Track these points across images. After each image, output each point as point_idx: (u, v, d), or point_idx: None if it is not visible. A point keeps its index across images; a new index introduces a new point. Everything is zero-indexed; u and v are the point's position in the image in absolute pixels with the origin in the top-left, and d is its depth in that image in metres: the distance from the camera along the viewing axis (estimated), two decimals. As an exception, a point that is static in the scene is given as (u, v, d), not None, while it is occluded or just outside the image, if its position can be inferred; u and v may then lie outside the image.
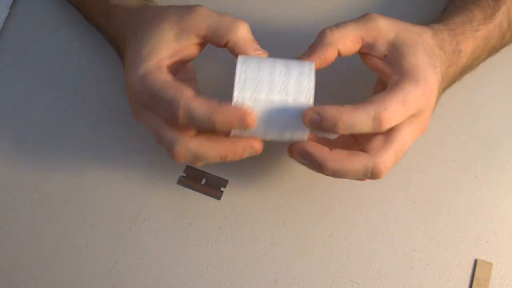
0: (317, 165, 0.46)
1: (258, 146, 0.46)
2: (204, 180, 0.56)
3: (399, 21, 0.49)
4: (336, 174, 0.46)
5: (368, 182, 0.55)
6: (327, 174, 0.46)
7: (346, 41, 0.47)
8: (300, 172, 0.56)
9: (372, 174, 0.46)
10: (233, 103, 0.43)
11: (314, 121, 0.43)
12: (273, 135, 0.46)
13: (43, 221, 0.55)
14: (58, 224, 0.55)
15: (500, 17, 0.53)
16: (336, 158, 0.45)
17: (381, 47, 0.48)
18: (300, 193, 0.55)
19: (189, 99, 0.43)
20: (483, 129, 0.57)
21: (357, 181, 0.55)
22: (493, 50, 0.55)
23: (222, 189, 0.56)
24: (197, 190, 0.56)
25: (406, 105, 0.45)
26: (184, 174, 0.56)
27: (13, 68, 0.61)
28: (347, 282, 0.52)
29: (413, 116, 0.46)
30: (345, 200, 0.55)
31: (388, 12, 0.50)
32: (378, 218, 0.54)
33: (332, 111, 0.43)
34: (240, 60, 0.45)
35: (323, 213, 0.55)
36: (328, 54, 0.47)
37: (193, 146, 0.45)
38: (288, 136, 0.46)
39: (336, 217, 0.54)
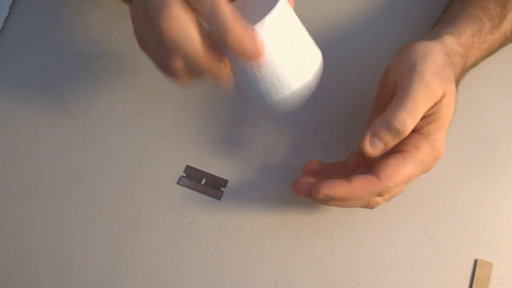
0: (340, 203, 0.48)
1: (229, 80, 0.44)
2: (204, 180, 0.56)
3: (443, 75, 0.47)
4: (352, 204, 0.49)
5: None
6: (349, 206, 0.49)
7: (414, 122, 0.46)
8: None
9: (383, 196, 0.48)
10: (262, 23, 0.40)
11: (325, 198, 0.46)
12: (252, 89, 0.44)
13: (43, 221, 0.55)
14: (58, 224, 0.55)
15: (506, 26, 0.53)
16: (355, 190, 0.46)
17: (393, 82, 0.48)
18: (300, 193, 0.55)
19: None
20: (483, 129, 0.57)
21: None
22: (491, 54, 0.55)
23: (222, 189, 0.56)
24: (197, 190, 0.56)
25: (410, 179, 0.47)
26: (184, 174, 0.56)
27: (13, 68, 0.61)
28: (347, 282, 0.52)
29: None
30: (345, 200, 0.55)
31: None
32: (378, 218, 0.54)
33: (341, 192, 0.45)
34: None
35: (323, 213, 0.55)
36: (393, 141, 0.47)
37: (191, 22, 0.40)
38: (268, 98, 0.44)
39: (336, 217, 0.54)
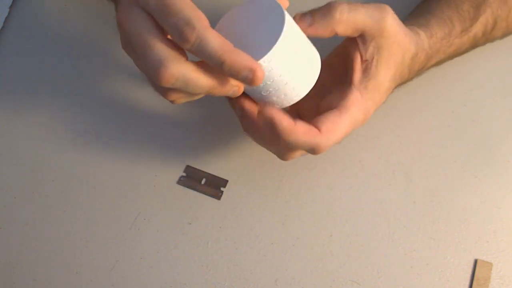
0: (279, 135, 0.45)
1: (241, 88, 0.45)
2: (204, 180, 0.56)
3: (401, 28, 0.48)
4: (289, 144, 0.46)
5: (369, 182, 0.55)
6: (281, 143, 0.46)
7: (349, 28, 0.46)
8: (300, 172, 0.56)
9: (313, 152, 0.47)
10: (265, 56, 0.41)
11: (265, 122, 0.44)
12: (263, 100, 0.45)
13: (43, 221, 0.55)
14: (58, 224, 0.55)
15: (477, 29, 0.53)
16: (297, 131, 0.45)
17: (371, 49, 0.47)
18: (300, 193, 0.55)
19: (206, 27, 0.39)
20: (483, 129, 0.57)
21: (357, 181, 0.56)
22: (459, 55, 0.55)
23: (222, 189, 0.56)
24: (197, 190, 0.56)
25: (348, 133, 0.47)
26: (184, 174, 0.56)
27: (13, 68, 0.61)
28: (347, 282, 0.52)
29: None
30: (345, 200, 0.55)
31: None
32: (378, 218, 0.54)
33: (284, 127, 0.44)
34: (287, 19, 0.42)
35: (323, 213, 0.55)
36: (326, 32, 0.46)
37: (189, 69, 0.41)
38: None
39: (336, 217, 0.54)
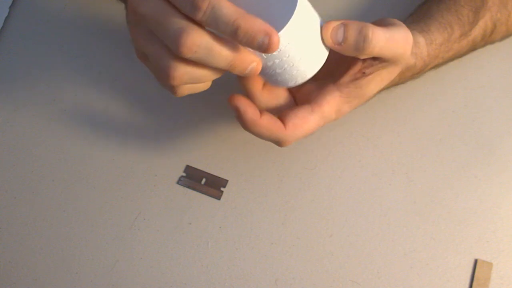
0: (244, 126, 0.47)
1: (260, 66, 0.43)
2: (204, 180, 0.56)
3: (406, 46, 0.46)
4: (253, 134, 0.47)
5: (369, 183, 0.55)
6: (245, 129, 0.47)
7: (371, 56, 0.45)
8: (300, 172, 0.56)
9: (278, 144, 0.48)
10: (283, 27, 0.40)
11: (233, 109, 0.45)
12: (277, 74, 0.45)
13: (43, 221, 0.55)
14: (58, 224, 0.55)
15: (476, 33, 0.53)
16: (261, 125, 0.46)
17: (375, 68, 0.47)
18: (300, 193, 0.55)
19: None
20: (483, 129, 0.57)
21: (357, 182, 0.56)
22: (457, 58, 0.55)
23: (222, 189, 0.56)
24: (197, 190, 0.56)
25: (309, 133, 0.48)
26: (184, 174, 0.56)
27: (13, 68, 0.61)
28: (347, 282, 0.52)
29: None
30: (345, 200, 0.55)
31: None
32: (378, 218, 0.54)
33: (249, 117, 0.45)
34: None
35: (323, 213, 0.55)
36: (350, 56, 0.45)
37: (211, 37, 0.39)
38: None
39: (336, 217, 0.54)
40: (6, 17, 0.63)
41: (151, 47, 0.42)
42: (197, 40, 0.39)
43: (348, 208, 0.55)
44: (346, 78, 0.47)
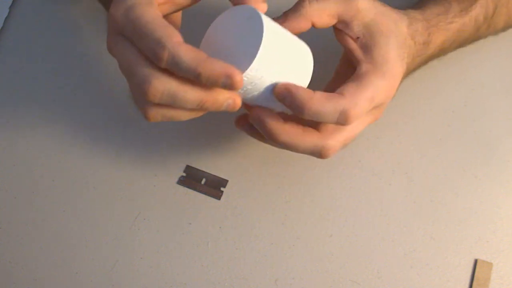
0: (269, 135, 0.45)
1: (238, 101, 0.43)
2: (204, 180, 0.56)
3: (379, 3, 0.48)
4: (286, 147, 0.46)
5: (369, 183, 0.55)
6: (277, 145, 0.47)
7: (323, 15, 0.46)
8: (300, 172, 0.56)
9: (319, 155, 0.47)
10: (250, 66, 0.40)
11: (283, 96, 0.43)
12: (256, 101, 0.45)
13: (43, 221, 0.55)
14: (58, 224, 0.55)
15: (477, 10, 0.53)
16: (288, 131, 0.45)
17: (356, 27, 0.47)
18: (300, 193, 0.55)
19: (177, 43, 0.40)
20: (483, 129, 0.57)
21: (357, 181, 0.56)
22: (465, 42, 0.55)
23: (222, 189, 0.56)
24: (197, 190, 0.56)
25: (373, 101, 0.45)
26: (184, 174, 0.56)
27: (13, 68, 0.61)
28: (347, 282, 0.52)
29: (373, 107, 0.47)
30: (345, 200, 0.55)
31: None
32: (378, 218, 0.54)
33: (303, 95, 0.43)
34: (265, 25, 0.41)
35: (323, 213, 0.55)
36: (301, 25, 0.46)
37: (173, 84, 0.41)
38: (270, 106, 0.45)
39: (336, 217, 0.55)
40: (6, 17, 0.63)
41: (128, 82, 0.44)
42: (160, 88, 0.41)
43: (348, 208, 0.55)
44: (357, 52, 0.47)
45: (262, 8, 0.43)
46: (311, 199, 0.55)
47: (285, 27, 0.45)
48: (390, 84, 0.47)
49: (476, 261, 0.53)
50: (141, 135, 0.58)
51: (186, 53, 0.40)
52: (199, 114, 0.44)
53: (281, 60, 0.43)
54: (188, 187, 0.56)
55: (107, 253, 0.54)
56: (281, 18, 0.46)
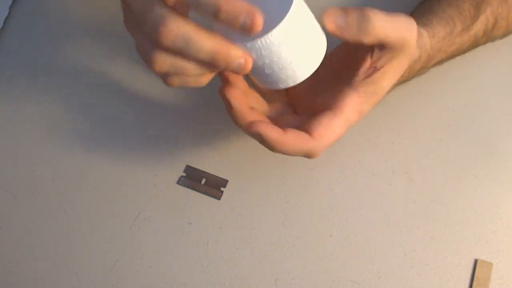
0: (268, 146, 0.46)
1: (249, 62, 0.41)
2: (204, 180, 0.56)
3: (410, 30, 0.46)
4: (281, 153, 0.46)
5: (369, 182, 0.55)
6: (272, 151, 0.46)
7: (376, 41, 0.44)
8: (300, 172, 0.56)
9: (309, 156, 0.47)
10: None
11: (254, 134, 0.44)
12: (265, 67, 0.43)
13: (43, 221, 0.55)
14: (58, 224, 0.55)
15: (477, 28, 0.53)
16: (285, 142, 0.45)
17: (385, 59, 0.46)
18: (300, 193, 0.55)
19: None
20: (483, 129, 0.57)
21: (357, 181, 0.56)
22: (460, 54, 0.55)
23: (222, 189, 0.56)
24: (197, 190, 0.56)
25: (344, 131, 0.47)
26: (184, 174, 0.56)
27: (13, 68, 0.61)
28: (347, 282, 0.52)
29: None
30: (345, 200, 0.55)
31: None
32: (378, 218, 0.54)
33: (273, 137, 0.44)
34: None
35: (323, 213, 0.55)
36: (352, 40, 0.43)
37: (189, 28, 0.39)
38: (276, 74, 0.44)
39: (336, 217, 0.55)
40: (6, 17, 0.63)
41: (137, 35, 0.42)
42: (175, 29, 0.38)
43: (348, 208, 0.55)
44: (359, 76, 0.47)
45: None
46: (311, 199, 0.55)
47: (337, 31, 0.43)
48: (366, 109, 0.48)
49: (476, 261, 0.53)
50: (141, 135, 0.58)
51: None
52: (207, 75, 0.43)
53: (301, 35, 0.42)
54: (188, 187, 0.56)
55: (107, 253, 0.54)
56: (341, 18, 0.42)
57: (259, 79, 0.45)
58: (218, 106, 0.58)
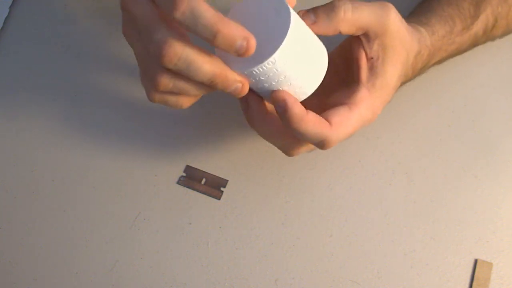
0: (288, 120, 0.44)
1: (246, 87, 0.43)
2: (204, 180, 0.56)
3: (403, 25, 0.47)
4: (297, 132, 0.45)
5: (369, 182, 0.55)
6: (290, 130, 0.45)
7: (353, 26, 0.46)
8: (300, 172, 0.56)
9: (322, 146, 0.46)
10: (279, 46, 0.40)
11: (278, 105, 0.43)
12: (261, 87, 0.44)
13: (43, 221, 0.55)
14: (58, 224, 0.55)
15: (478, 27, 0.53)
16: (307, 121, 0.44)
17: (376, 47, 0.47)
18: (300, 193, 0.55)
19: None
20: (483, 129, 0.57)
21: (357, 181, 0.56)
22: (460, 53, 0.55)
23: (222, 189, 0.56)
24: (197, 190, 0.56)
25: (358, 128, 0.47)
26: (184, 174, 0.56)
27: (13, 68, 0.61)
28: (347, 282, 0.52)
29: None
30: (345, 200, 0.55)
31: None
32: (378, 218, 0.54)
33: (297, 113, 0.43)
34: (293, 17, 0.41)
35: (323, 213, 0.55)
36: (329, 31, 0.45)
37: (192, 51, 0.40)
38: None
39: (336, 217, 0.55)
40: (6, 17, 0.63)
41: (140, 48, 0.42)
42: (178, 52, 0.39)
43: (348, 208, 0.55)
44: (363, 73, 0.47)
45: (291, 1, 0.43)
46: (311, 199, 0.55)
47: (312, 28, 0.44)
48: (378, 106, 0.48)
49: (476, 261, 0.53)
50: (141, 135, 0.58)
51: (207, 8, 0.38)
52: (202, 93, 0.43)
53: (300, 58, 0.42)
54: (188, 187, 0.56)
55: (107, 253, 0.54)
56: (311, 15, 0.45)
57: (269, 98, 0.45)
58: (218, 106, 0.58)
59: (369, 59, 0.47)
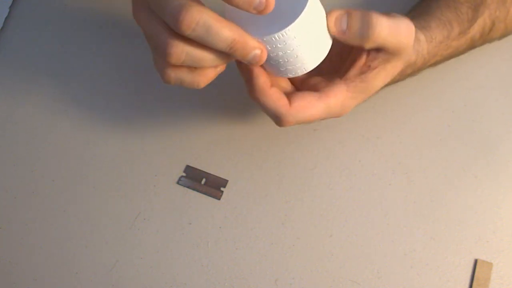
0: (251, 89, 0.46)
1: (264, 54, 0.42)
2: (204, 180, 0.56)
3: (408, 37, 0.46)
4: (258, 103, 0.46)
5: (369, 182, 0.55)
6: (251, 97, 0.47)
7: (376, 45, 0.45)
8: (300, 172, 0.56)
9: (276, 122, 0.47)
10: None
11: (244, 73, 0.45)
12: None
13: (43, 221, 0.55)
14: (58, 224, 0.55)
15: (475, 30, 0.53)
16: (268, 93, 0.45)
17: (380, 60, 0.46)
18: (300, 193, 0.55)
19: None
20: (483, 129, 0.57)
21: (357, 181, 0.56)
22: (455, 56, 0.55)
23: (222, 189, 0.56)
24: (197, 190, 0.56)
25: (323, 116, 0.47)
26: (184, 174, 0.56)
27: (13, 68, 0.61)
28: (347, 282, 0.52)
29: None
30: (345, 200, 0.55)
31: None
32: (378, 218, 0.54)
33: (261, 84, 0.45)
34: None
35: (323, 213, 0.55)
36: (354, 44, 0.45)
37: (211, 16, 0.39)
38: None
39: (336, 217, 0.55)
40: (6, 17, 0.63)
41: (152, 27, 0.42)
42: (196, 17, 0.38)
43: (348, 208, 0.55)
44: (352, 72, 0.47)
45: None
46: (311, 199, 0.55)
47: (338, 34, 0.44)
48: (350, 105, 0.48)
49: (476, 261, 0.53)
50: (141, 135, 0.58)
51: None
52: (221, 66, 0.44)
53: (314, 30, 0.43)
54: (188, 187, 0.56)
55: (107, 253, 0.54)
56: (343, 22, 0.44)
57: (271, 68, 0.46)
58: (218, 106, 0.58)
59: (367, 66, 0.47)
